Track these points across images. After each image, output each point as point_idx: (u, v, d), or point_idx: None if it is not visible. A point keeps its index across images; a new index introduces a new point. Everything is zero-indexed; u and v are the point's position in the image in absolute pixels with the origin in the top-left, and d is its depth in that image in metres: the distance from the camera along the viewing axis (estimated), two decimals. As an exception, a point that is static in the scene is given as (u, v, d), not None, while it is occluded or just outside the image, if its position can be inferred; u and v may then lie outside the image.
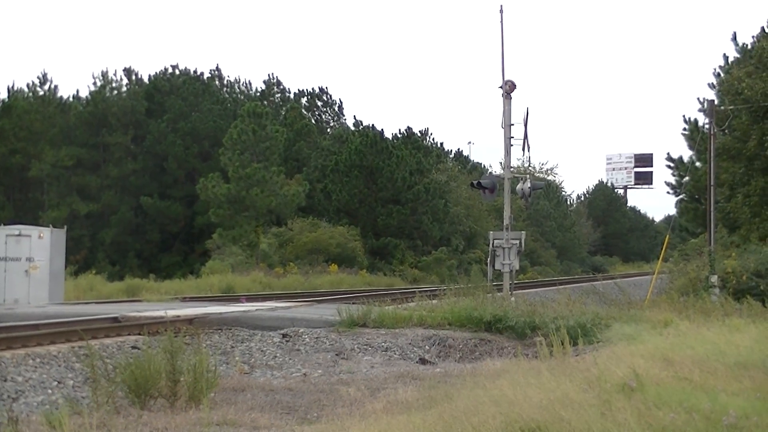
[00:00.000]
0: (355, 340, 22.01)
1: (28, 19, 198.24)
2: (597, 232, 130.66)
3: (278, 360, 20.45)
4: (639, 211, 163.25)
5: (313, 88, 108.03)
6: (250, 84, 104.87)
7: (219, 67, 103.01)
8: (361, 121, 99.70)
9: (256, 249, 67.46)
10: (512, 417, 9.41)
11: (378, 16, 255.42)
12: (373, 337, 22.32)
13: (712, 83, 52.46)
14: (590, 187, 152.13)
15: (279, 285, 55.68)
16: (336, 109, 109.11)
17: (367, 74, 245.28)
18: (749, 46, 50.42)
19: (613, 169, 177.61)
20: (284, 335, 22.35)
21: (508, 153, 35.01)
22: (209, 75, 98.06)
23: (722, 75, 51.20)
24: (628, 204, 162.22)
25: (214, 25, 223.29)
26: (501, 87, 34.14)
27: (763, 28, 49.20)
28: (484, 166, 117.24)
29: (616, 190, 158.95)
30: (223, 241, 67.48)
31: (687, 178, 52.74)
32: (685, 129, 53.84)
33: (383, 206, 77.02)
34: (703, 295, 30.72)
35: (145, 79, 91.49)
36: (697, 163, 51.77)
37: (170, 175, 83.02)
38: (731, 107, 44.46)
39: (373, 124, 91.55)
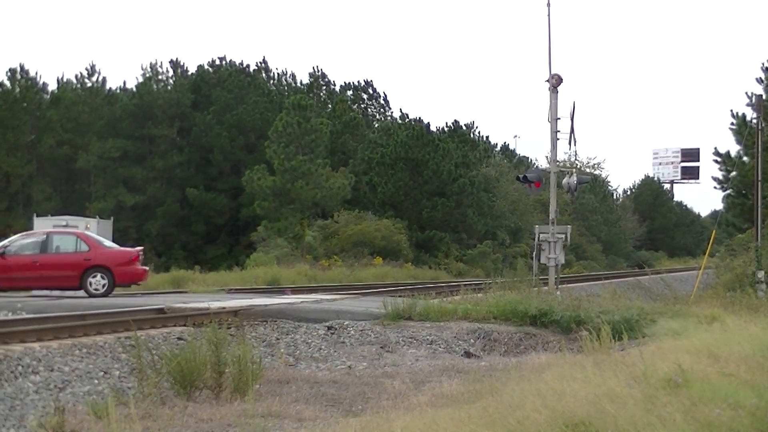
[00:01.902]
0: (400, 333, 21.99)
1: (78, 11, 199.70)
2: (643, 227, 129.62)
3: (323, 352, 20.46)
4: (685, 206, 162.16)
5: (358, 81, 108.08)
6: (295, 77, 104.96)
7: (265, 59, 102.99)
8: (407, 114, 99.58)
9: (302, 241, 67.54)
10: (557, 411, 9.39)
11: (424, 8, 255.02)
12: (418, 330, 22.29)
13: (760, 78, 52.08)
14: (636, 182, 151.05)
15: (324, 277, 55.67)
16: (381, 102, 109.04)
17: (414, 67, 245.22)
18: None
19: (660, 164, 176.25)
20: (329, 327, 22.35)
21: (554, 147, 34.89)
22: (255, 67, 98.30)
23: (770, 70, 50.84)
24: (675, 199, 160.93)
25: (260, 18, 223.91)
26: (547, 81, 33.96)
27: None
28: (530, 159, 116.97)
29: (662, 185, 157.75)
30: (268, 233, 67.59)
31: (734, 173, 52.34)
32: (732, 124, 53.43)
33: (428, 199, 76.85)
34: (749, 290, 30.61)
35: (192, 72, 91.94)
36: (745, 158, 51.33)
37: (216, 167, 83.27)
38: (779, 102, 44.12)
39: (419, 117, 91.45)
